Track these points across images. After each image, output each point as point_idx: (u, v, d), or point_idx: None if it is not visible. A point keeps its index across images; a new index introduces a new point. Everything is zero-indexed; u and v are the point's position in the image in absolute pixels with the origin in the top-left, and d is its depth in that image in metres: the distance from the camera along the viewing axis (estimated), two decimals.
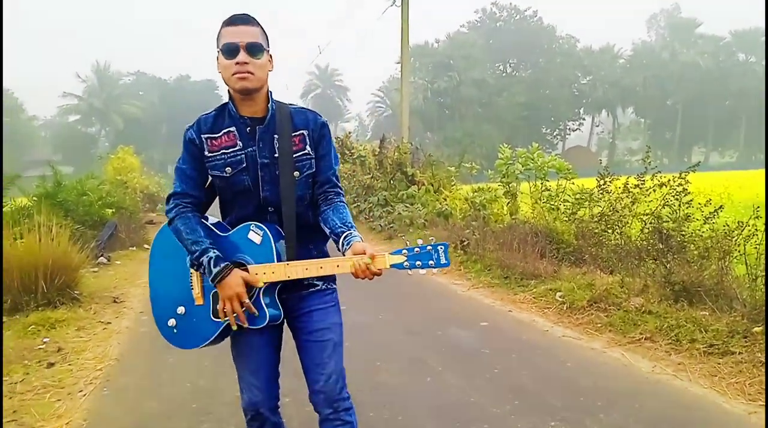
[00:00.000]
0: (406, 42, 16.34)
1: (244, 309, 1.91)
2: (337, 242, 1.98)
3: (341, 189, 2.15)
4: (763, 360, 3.76)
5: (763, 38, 52.28)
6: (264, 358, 2.11)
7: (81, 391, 3.95)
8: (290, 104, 2.10)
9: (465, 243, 8.59)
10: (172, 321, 2.06)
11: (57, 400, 3.80)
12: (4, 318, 5.59)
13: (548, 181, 8.88)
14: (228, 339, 2.12)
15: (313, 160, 2.05)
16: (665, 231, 6.34)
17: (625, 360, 4.20)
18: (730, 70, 60.12)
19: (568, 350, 4.48)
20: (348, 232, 1.96)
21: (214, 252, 1.93)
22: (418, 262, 1.87)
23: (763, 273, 4.76)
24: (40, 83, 72.29)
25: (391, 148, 15.01)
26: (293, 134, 2.02)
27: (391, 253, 1.89)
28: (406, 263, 1.87)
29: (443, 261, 1.87)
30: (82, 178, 11.51)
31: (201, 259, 1.92)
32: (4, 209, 8.30)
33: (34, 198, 9.60)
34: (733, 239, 5.40)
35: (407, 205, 12.48)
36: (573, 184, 8.70)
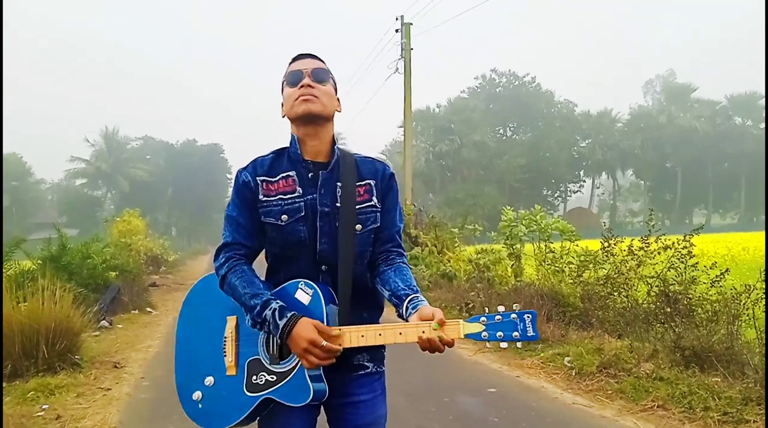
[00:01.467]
0: (408, 107, 16.74)
1: (325, 355, 1.61)
2: (399, 306, 1.72)
3: (404, 249, 1.93)
4: None
5: (762, 101, 53.47)
6: None
7: None
8: (355, 153, 1.92)
9: (470, 305, 8.52)
10: (197, 395, 1.78)
11: None
12: (5, 384, 5.50)
13: (552, 242, 8.90)
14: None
15: (378, 214, 1.84)
16: (672, 295, 6.30)
17: None
18: (726, 133, 61.10)
19: (579, 418, 4.37)
20: (414, 296, 1.71)
21: (277, 303, 1.67)
22: (499, 333, 1.57)
23: None
24: (49, 148, 73.75)
25: None
26: (359, 184, 1.82)
27: (466, 321, 1.60)
28: (484, 333, 1.57)
29: (530, 333, 1.57)
30: (87, 240, 11.53)
31: (264, 313, 1.66)
32: (8, 273, 8.29)
33: (39, 261, 9.59)
34: (742, 302, 5.36)
35: (411, 266, 12.43)
36: (577, 245, 8.71)
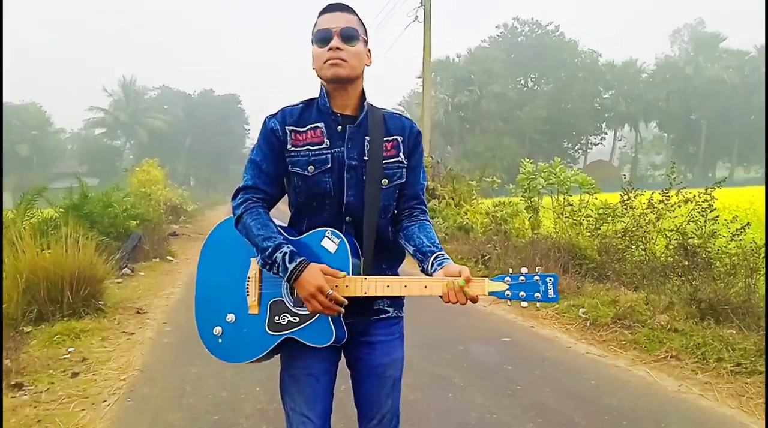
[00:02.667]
0: (428, 57, 16.43)
1: (332, 301, 1.67)
2: (423, 261, 1.79)
3: (427, 206, 1.99)
4: None
5: None
6: (321, 390, 1.87)
7: (105, 401, 3.99)
8: (383, 109, 1.92)
9: (486, 257, 8.55)
10: (218, 330, 1.84)
11: (81, 410, 3.83)
12: (31, 328, 5.68)
13: (571, 195, 8.83)
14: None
15: (404, 170, 1.88)
16: (691, 248, 6.26)
17: (650, 379, 4.13)
18: (755, 85, 59.25)
19: (591, 367, 4.42)
20: (439, 253, 1.78)
21: (289, 248, 1.71)
22: (522, 293, 1.65)
23: None
24: (68, 97, 73.97)
25: None
26: (386, 139, 1.85)
27: (491, 279, 1.67)
28: (507, 292, 1.66)
29: (551, 294, 1.66)
30: (108, 190, 11.69)
31: (275, 256, 1.70)
32: (31, 220, 8.45)
33: (61, 209, 9.76)
34: (761, 256, 5.31)
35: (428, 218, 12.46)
36: (596, 198, 8.64)
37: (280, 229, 1.80)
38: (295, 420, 1.86)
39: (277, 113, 1.86)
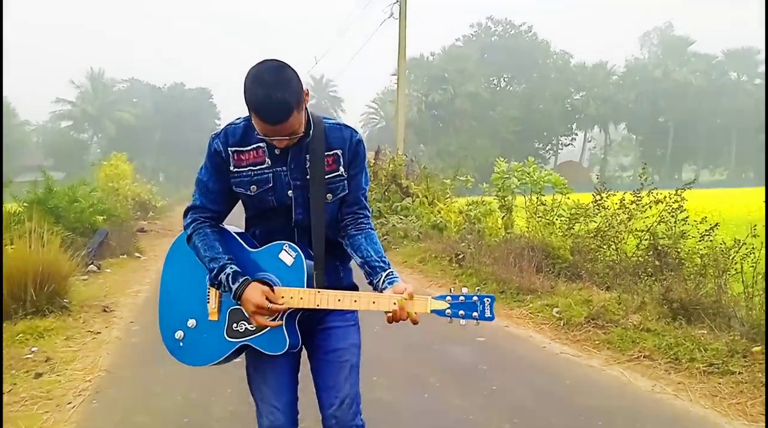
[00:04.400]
0: (403, 54, 16.40)
1: (272, 317, 1.80)
2: (372, 276, 1.88)
3: (369, 211, 2.04)
4: (764, 380, 3.72)
5: (761, 56, 52.91)
6: (286, 379, 2.00)
7: (70, 403, 3.86)
8: (325, 118, 1.95)
9: (460, 256, 8.55)
10: (179, 334, 1.94)
11: (45, 412, 3.70)
12: None
13: (544, 195, 8.88)
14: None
15: (346, 182, 1.94)
16: (661, 248, 6.34)
17: (624, 379, 4.16)
18: (722, 89, 60.69)
19: (566, 367, 4.43)
20: (390, 271, 1.86)
21: (231, 268, 1.82)
22: (461, 312, 1.75)
23: (761, 293, 4.74)
24: (33, 89, 72.15)
25: (386, 159, 14.99)
26: (327, 154, 1.89)
27: (434, 298, 1.77)
28: (448, 311, 1.76)
29: (488, 314, 1.76)
30: (74, 184, 11.40)
31: (219, 277, 1.82)
32: None
33: (25, 204, 9.48)
34: (730, 257, 5.39)
35: (401, 216, 12.45)
36: (568, 199, 8.71)
37: (238, 240, 1.93)
38: (264, 410, 1.99)
39: (220, 133, 1.91)
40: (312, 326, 1.98)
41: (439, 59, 60.78)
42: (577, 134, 67.40)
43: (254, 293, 1.78)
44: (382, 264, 1.88)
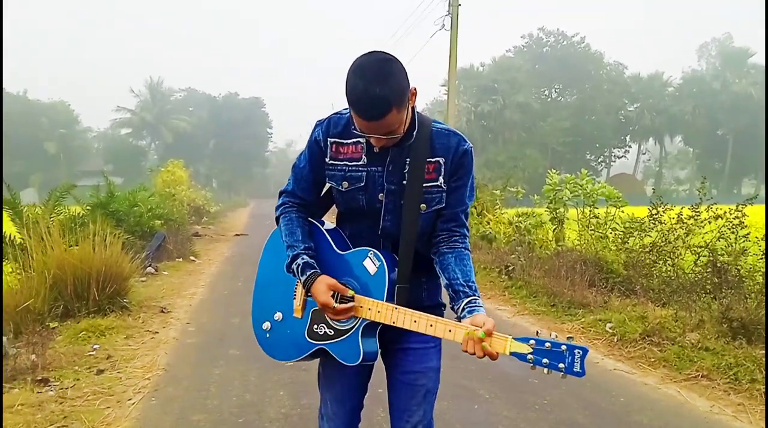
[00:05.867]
0: (454, 65, 16.39)
1: (339, 318, 1.75)
2: (454, 301, 1.74)
3: (468, 230, 1.88)
4: None
5: None
6: (351, 388, 1.96)
7: (130, 399, 4.00)
8: (434, 121, 1.83)
9: (510, 268, 8.47)
10: (267, 325, 1.93)
11: (107, 407, 3.85)
12: (57, 324, 5.74)
13: (597, 208, 8.72)
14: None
15: (444, 194, 1.80)
16: (721, 265, 6.14)
17: (681, 398, 4.04)
18: None
19: (620, 384, 4.34)
20: (473, 298, 1.71)
21: (303, 259, 1.78)
22: (545, 360, 1.53)
23: None
24: (96, 97, 75.15)
25: None
26: (429, 160, 1.77)
27: (515, 339, 1.57)
28: (530, 356, 1.54)
29: (577, 369, 1.50)
30: (134, 189, 11.82)
31: (292, 265, 1.80)
32: (59, 217, 8.56)
33: (88, 207, 9.88)
34: None
35: None
36: (622, 212, 8.53)
37: (328, 240, 1.87)
38: (325, 413, 2.00)
39: (324, 121, 1.86)
40: (390, 345, 1.89)
41: (490, 70, 60.32)
42: (630, 146, 65.73)
43: (321, 289, 1.73)
44: (466, 290, 1.73)
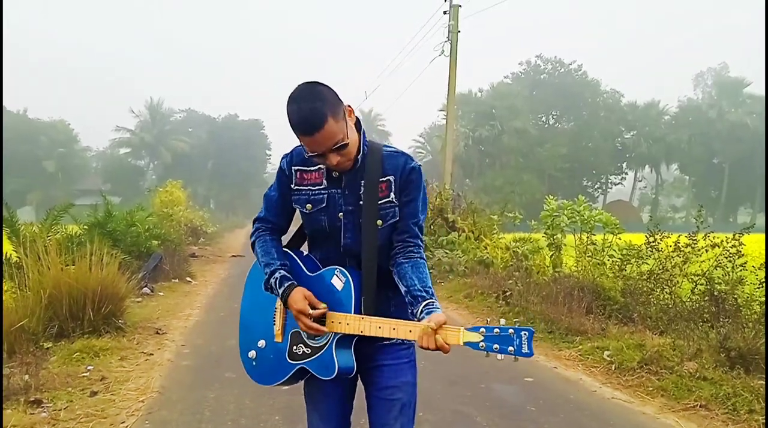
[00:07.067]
0: (452, 91, 16.55)
1: (311, 325, 1.84)
2: (413, 305, 1.84)
3: (422, 241, 2.02)
4: None
5: None
6: (335, 406, 2.04)
7: (123, 422, 3.96)
8: (385, 145, 2.01)
9: (507, 293, 8.44)
10: (252, 353, 2.03)
11: None
12: (51, 344, 5.69)
13: (594, 234, 8.74)
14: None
15: (396, 209, 1.96)
16: (718, 294, 6.14)
17: None
18: None
19: (618, 413, 4.31)
20: (430, 301, 1.82)
21: (280, 273, 1.92)
22: (495, 346, 1.64)
23: None
24: (95, 117, 75.49)
25: (433, 193, 15.02)
26: (381, 180, 1.93)
27: (467, 329, 1.69)
28: (482, 344, 1.65)
29: (525, 349, 1.62)
30: (132, 209, 11.80)
31: (270, 280, 1.93)
32: (56, 236, 8.54)
33: (85, 226, 9.86)
34: None
35: (447, 251, 12.40)
36: (620, 239, 8.55)
37: (298, 263, 2.00)
38: None
39: (288, 154, 2.05)
40: (365, 363, 1.97)
41: (487, 95, 60.90)
42: (627, 173, 66.13)
43: (298, 297, 1.86)
44: (423, 294, 1.83)
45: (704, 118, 60.25)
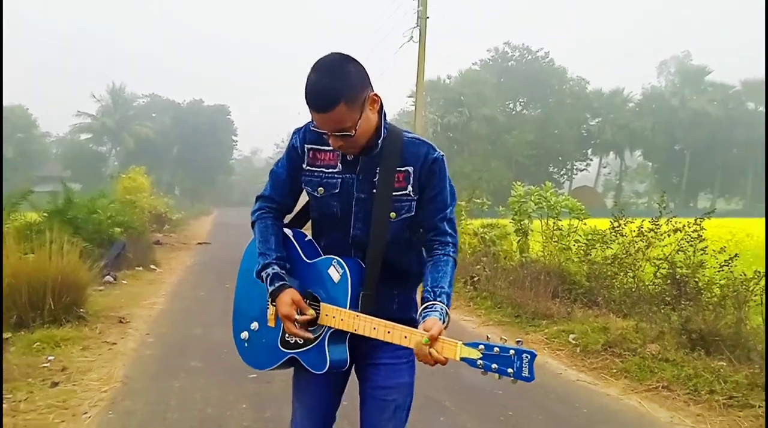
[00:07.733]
0: (421, 78, 16.53)
1: (298, 331, 1.75)
2: (421, 306, 1.74)
3: (451, 236, 1.84)
4: None
5: None
6: (321, 400, 1.95)
7: (86, 413, 3.87)
8: (406, 132, 1.85)
9: (475, 279, 8.52)
10: (245, 334, 1.95)
11: (61, 421, 3.72)
12: (10, 334, 5.53)
13: (560, 220, 8.85)
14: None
15: (413, 203, 1.80)
16: (680, 277, 6.29)
17: (642, 409, 4.10)
18: (738, 119, 60.29)
19: (583, 395, 4.39)
20: (431, 303, 1.70)
21: (273, 269, 1.79)
22: (494, 365, 1.52)
23: None
24: (55, 102, 73.41)
25: None
26: (398, 169, 1.78)
27: (465, 344, 1.57)
28: (480, 362, 1.54)
29: (525, 373, 1.50)
30: (93, 196, 11.52)
31: (262, 273, 1.81)
32: (14, 224, 8.29)
33: (45, 214, 9.59)
34: (750, 288, 5.34)
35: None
36: (585, 224, 8.67)
37: (297, 249, 1.87)
38: (295, 424, 1.98)
39: (302, 128, 1.88)
40: (361, 360, 1.88)
41: (456, 82, 61.04)
42: (592, 160, 67.20)
43: (286, 300, 1.75)
44: (428, 295, 1.73)
45: (667, 106, 61.44)
